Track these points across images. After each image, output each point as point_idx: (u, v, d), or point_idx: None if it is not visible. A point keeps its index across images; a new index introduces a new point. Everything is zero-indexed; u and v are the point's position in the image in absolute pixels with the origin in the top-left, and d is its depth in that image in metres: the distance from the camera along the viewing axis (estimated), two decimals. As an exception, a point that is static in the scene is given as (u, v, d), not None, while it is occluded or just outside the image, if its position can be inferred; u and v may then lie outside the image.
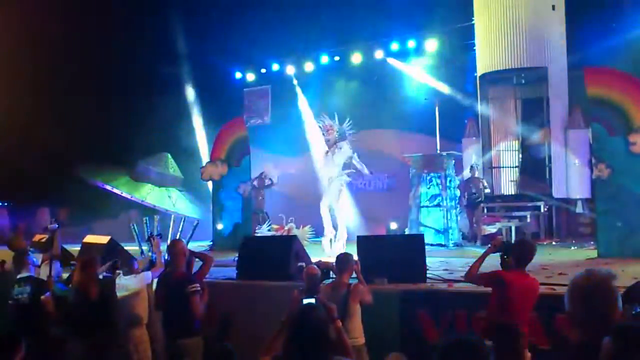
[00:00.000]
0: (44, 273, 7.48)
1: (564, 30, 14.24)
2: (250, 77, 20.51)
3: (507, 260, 5.20)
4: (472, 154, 14.74)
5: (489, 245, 5.50)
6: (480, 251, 6.09)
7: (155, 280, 6.78)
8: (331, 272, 6.50)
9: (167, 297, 6.01)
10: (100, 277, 6.37)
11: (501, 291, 4.95)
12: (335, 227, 11.69)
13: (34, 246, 9.14)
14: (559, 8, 14.17)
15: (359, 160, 11.66)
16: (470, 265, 5.42)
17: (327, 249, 11.44)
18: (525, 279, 5.01)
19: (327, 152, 11.62)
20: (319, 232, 14.51)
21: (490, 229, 13.45)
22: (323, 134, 11.71)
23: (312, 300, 5.22)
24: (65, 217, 15.01)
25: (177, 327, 5.91)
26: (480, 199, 13.53)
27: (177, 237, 10.99)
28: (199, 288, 5.86)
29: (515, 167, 15.47)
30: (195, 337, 5.93)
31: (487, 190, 14.06)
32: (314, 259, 8.74)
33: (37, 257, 8.08)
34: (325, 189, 11.77)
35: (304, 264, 8.23)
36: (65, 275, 7.67)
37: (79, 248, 10.37)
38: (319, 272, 6.27)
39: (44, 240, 9.21)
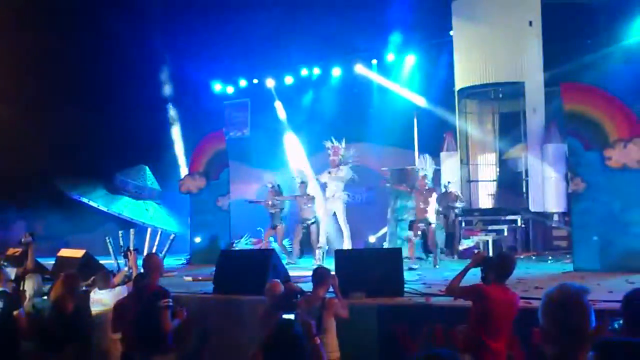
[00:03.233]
0: (27, 287, 7.41)
1: (541, 45, 14.43)
2: (230, 90, 20.54)
3: (488, 274, 5.21)
4: (449, 168, 14.83)
5: (470, 260, 5.52)
6: (457, 265, 6.11)
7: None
8: (299, 295, 6.41)
9: (139, 312, 5.92)
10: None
11: (481, 305, 4.96)
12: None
13: (7, 260, 8.97)
14: (536, 24, 14.36)
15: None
16: (452, 278, 5.43)
17: (318, 261, 11.78)
18: (505, 293, 5.02)
19: (330, 171, 12.24)
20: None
21: (468, 243, 13.52)
22: (329, 154, 12.31)
23: (292, 316, 5.19)
24: (40, 231, 14.80)
25: (150, 343, 5.80)
26: (456, 212, 13.70)
27: (153, 251, 10.92)
28: (171, 303, 5.77)
29: (493, 180, 15.59)
30: (168, 353, 5.83)
31: (463, 204, 14.17)
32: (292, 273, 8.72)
33: (11, 271, 7.95)
34: (325, 204, 12.46)
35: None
36: (46, 289, 7.59)
37: (53, 262, 10.25)
38: (281, 290, 6.22)
39: (18, 254, 9.06)
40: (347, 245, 11.95)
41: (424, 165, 12.47)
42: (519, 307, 5.16)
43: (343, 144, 12.30)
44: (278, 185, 13.92)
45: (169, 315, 5.71)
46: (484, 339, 4.88)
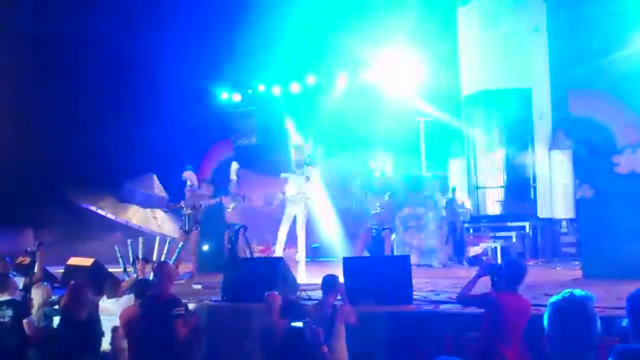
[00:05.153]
0: (36, 295, 7.43)
1: (547, 51, 14.41)
2: (237, 97, 20.56)
3: (498, 281, 5.19)
4: (456, 175, 14.83)
5: (479, 267, 5.50)
6: (466, 271, 6.10)
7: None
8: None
9: (152, 321, 5.91)
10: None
11: (493, 312, 4.94)
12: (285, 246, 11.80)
13: (16, 269, 8.99)
14: (542, 30, 14.35)
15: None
16: (462, 286, 5.41)
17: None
18: (517, 300, 5.00)
19: (295, 172, 11.66)
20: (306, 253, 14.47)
21: (476, 249, 13.50)
22: (294, 153, 11.87)
23: (300, 324, 5.19)
24: (48, 239, 14.82)
25: (162, 352, 5.79)
26: (462, 219, 13.70)
27: (162, 259, 10.90)
28: (184, 311, 5.77)
29: (500, 187, 15.55)
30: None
31: (469, 209, 14.19)
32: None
33: (19, 280, 7.97)
34: (286, 207, 11.73)
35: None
36: (56, 297, 7.61)
37: (62, 270, 10.27)
38: (278, 301, 6.20)
39: (26, 262, 9.07)
40: (300, 253, 11.37)
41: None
42: (531, 314, 5.14)
43: (309, 144, 11.78)
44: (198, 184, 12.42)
45: (182, 324, 5.71)
46: (497, 346, 4.87)
